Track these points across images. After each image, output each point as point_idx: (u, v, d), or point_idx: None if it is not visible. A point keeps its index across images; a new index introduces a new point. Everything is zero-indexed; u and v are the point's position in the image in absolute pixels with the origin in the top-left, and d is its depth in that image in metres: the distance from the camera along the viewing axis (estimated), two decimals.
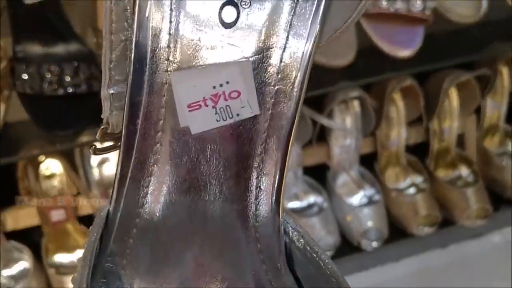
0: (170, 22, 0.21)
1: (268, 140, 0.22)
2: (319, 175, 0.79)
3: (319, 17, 0.21)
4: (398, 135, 0.80)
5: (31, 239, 0.69)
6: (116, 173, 0.23)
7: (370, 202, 0.78)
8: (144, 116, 0.22)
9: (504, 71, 0.83)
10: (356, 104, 0.78)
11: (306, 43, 0.21)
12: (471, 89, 0.80)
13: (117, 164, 0.22)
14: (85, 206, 0.70)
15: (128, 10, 0.21)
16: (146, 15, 0.21)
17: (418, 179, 0.81)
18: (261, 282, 0.23)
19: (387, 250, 0.78)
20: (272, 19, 0.21)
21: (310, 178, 0.78)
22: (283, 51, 0.22)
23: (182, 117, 0.22)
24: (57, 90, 0.59)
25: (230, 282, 0.23)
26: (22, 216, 0.68)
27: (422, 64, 0.73)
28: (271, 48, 0.22)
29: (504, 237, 0.83)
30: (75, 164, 0.71)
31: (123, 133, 0.22)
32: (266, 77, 0.22)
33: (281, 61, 0.22)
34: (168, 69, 0.22)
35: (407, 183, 0.81)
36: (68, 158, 0.70)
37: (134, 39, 0.21)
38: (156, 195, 0.23)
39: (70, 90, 0.59)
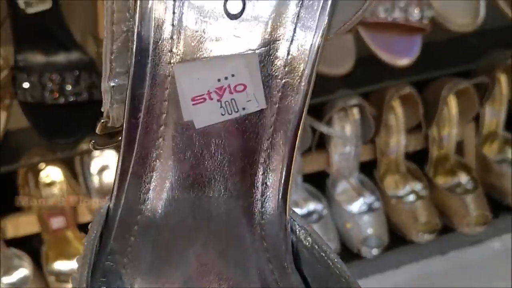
0: (174, 12, 0.20)
1: (274, 135, 0.22)
2: (318, 182, 0.79)
3: (328, 9, 0.20)
4: (397, 142, 0.81)
5: (31, 246, 0.69)
6: (117, 168, 0.22)
7: (370, 209, 0.78)
8: (146, 109, 0.21)
9: (502, 78, 0.83)
10: (355, 111, 0.78)
11: (314, 35, 0.21)
12: (469, 96, 0.80)
13: (118, 159, 0.22)
14: (85, 214, 0.71)
15: (130, 0, 0.21)
16: (149, 5, 0.20)
17: (418, 186, 0.81)
18: (267, 282, 0.22)
19: (387, 257, 0.78)
20: (279, 11, 0.21)
21: (309, 185, 0.78)
22: (291, 43, 0.21)
23: (186, 111, 0.21)
24: (58, 99, 0.59)
25: (234, 282, 0.22)
26: (22, 224, 0.68)
27: (421, 72, 0.73)
28: (278, 40, 0.21)
29: (503, 243, 0.83)
30: (75, 172, 0.71)
31: (124, 127, 0.21)
32: (273, 70, 0.21)
33: (288, 54, 0.21)
34: (171, 61, 0.21)
35: (407, 190, 0.81)
36: (68, 166, 0.71)
37: (136, 30, 0.20)
38: (159, 191, 0.22)
39: (71, 98, 0.59)
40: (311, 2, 0.20)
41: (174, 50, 0.21)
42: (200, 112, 0.21)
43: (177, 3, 0.20)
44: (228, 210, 0.22)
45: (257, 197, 0.22)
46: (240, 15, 0.21)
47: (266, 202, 0.22)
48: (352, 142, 0.78)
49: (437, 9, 0.71)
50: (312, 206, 0.77)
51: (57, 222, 0.70)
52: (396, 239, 0.79)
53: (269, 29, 0.21)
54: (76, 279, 0.21)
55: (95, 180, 0.71)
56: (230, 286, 0.22)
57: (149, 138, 0.21)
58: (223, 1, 0.20)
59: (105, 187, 0.71)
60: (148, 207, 0.22)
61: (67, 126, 0.60)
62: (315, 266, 0.22)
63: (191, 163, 0.22)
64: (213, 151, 0.22)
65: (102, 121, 0.23)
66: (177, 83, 0.21)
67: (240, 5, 0.21)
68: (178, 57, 0.21)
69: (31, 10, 0.59)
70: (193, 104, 0.21)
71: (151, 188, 0.22)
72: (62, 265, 0.68)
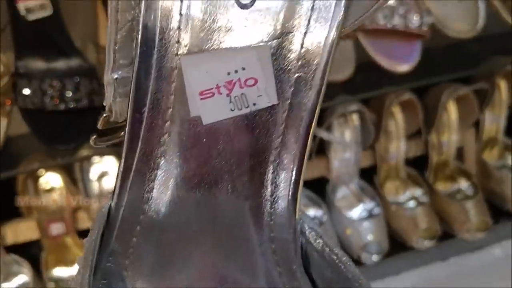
0: (182, 1, 0.19)
1: (286, 133, 0.20)
2: (318, 188, 0.79)
3: (343, 0, 0.19)
4: (397, 148, 0.81)
5: (30, 252, 0.69)
6: (119, 166, 0.21)
7: (370, 215, 0.78)
8: (151, 103, 0.20)
9: (502, 84, 0.83)
10: (355, 118, 0.78)
11: (329, 27, 0.19)
12: (469, 102, 0.80)
13: (121, 156, 0.21)
14: (84, 220, 0.70)
15: None
16: None
17: (418, 192, 0.81)
18: (275, 285, 0.21)
19: (387, 264, 0.78)
20: (293, 1, 0.19)
21: (309, 191, 0.78)
22: (304, 35, 0.20)
23: (193, 106, 0.20)
24: (58, 105, 0.59)
25: (240, 285, 0.21)
26: (22, 230, 0.68)
27: (420, 78, 0.74)
28: (291, 32, 0.20)
29: (504, 250, 0.83)
30: (74, 178, 0.71)
31: (127, 122, 0.20)
32: (286, 63, 0.20)
33: (302, 47, 0.20)
34: (179, 53, 0.20)
35: (407, 196, 0.81)
36: (68, 172, 0.71)
37: (141, 19, 0.19)
38: (163, 190, 0.21)
39: (71, 105, 0.60)
40: None
41: (182, 41, 0.20)
42: (208, 107, 0.20)
43: None
44: (235, 210, 0.21)
45: (266, 197, 0.21)
46: (252, 5, 0.19)
47: (275, 203, 0.21)
48: (352, 148, 0.78)
49: (437, 16, 0.71)
50: (312, 212, 0.77)
51: (56, 229, 0.70)
52: (396, 245, 0.78)
53: (282, 20, 0.20)
54: (78, 281, 0.20)
55: (95, 186, 0.71)
56: None
57: (154, 134, 0.20)
58: None
59: (105, 193, 0.71)
60: (152, 206, 0.21)
61: (67, 132, 0.60)
62: (325, 269, 0.22)
63: (197, 161, 0.21)
64: (221, 148, 0.20)
65: (104, 115, 0.22)
66: (185, 76, 0.20)
67: None
68: (185, 48, 0.20)
69: (32, 17, 0.60)
70: (201, 99, 0.20)
71: (155, 186, 0.21)
72: (62, 271, 0.68)
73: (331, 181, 0.79)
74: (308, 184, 0.78)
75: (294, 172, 0.21)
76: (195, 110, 0.20)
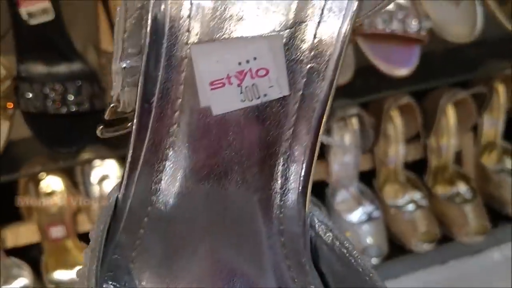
0: None
1: (297, 124, 0.20)
2: (318, 192, 0.79)
3: None
4: (396, 152, 0.81)
5: (31, 255, 0.69)
6: (127, 156, 0.20)
7: (370, 218, 0.78)
8: (161, 93, 0.19)
9: (500, 88, 0.84)
10: (354, 121, 0.79)
11: (343, 17, 0.19)
12: (467, 106, 0.81)
13: (129, 146, 0.20)
14: (85, 223, 0.71)
15: None
16: None
17: (417, 195, 0.81)
18: (283, 279, 0.21)
19: (387, 267, 0.78)
20: None
21: None
22: (318, 25, 0.19)
23: (203, 96, 0.19)
24: (60, 109, 0.60)
25: (248, 279, 0.21)
26: (22, 233, 0.68)
27: (419, 82, 0.74)
28: (304, 21, 0.19)
29: (503, 253, 0.83)
30: (75, 181, 0.71)
31: (136, 112, 0.20)
32: (298, 54, 0.19)
33: (315, 37, 0.19)
34: (189, 42, 0.19)
35: (406, 200, 0.82)
36: (69, 175, 0.71)
37: (151, 7, 0.19)
38: (171, 181, 0.20)
39: (73, 108, 0.60)
40: None
41: (192, 29, 0.19)
42: (218, 98, 0.19)
43: None
44: (244, 203, 0.21)
45: (276, 189, 0.21)
46: None
47: (285, 195, 0.21)
48: (352, 152, 0.79)
49: (435, 21, 0.71)
50: None
51: (57, 232, 0.70)
52: (396, 249, 0.79)
53: (294, 10, 0.19)
54: (84, 273, 0.20)
55: (96, 189, 0.72)
56: (244, 283, 0.21)
57: (163, 125, 0.20)
58: None
59: (106, 196, 0.71)
60: (160, 198, 0.21)
61: (69, 135, 0.61)
62: (335, 263, 0.21)
63: (207, 152, 0.20)
64: (231, 140, 0.20)
65: (112, 105, 0.21)
66: (195, 65, 0.19)
67: None
68: (196, 37, 0.19)
69: (33, 21, 0.60)
70: (211, 89, 0.19)
71: (163, 178, 0.20)
72: (62, 274, 0.68)
73: (331, 184, 0.80)
74: None
75: (304, 165, 0.20)
76: (205, 100, 0.19)
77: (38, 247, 0.70)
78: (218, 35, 0.19)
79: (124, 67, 0.20)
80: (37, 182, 0.70)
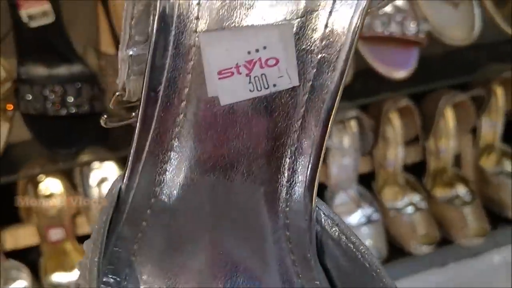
0: None
1: (306, 116, 0.20)
2: (317, 194, 0.79)
3: None
4: (395, 154, 0.81)
5: (30, 258, 0.69)
6: (131, 146, 0.20)
7: (369, 221, 0.78)
8: (167, 82, 0.19)
9: (499, 91, 0.84)
10: (353, 124, 0.79)
11: (355, 7, 0.19)
12: (466, 109, 0.81)
13: (133, 136, 0.20)
14: (84, 225, 0.71)
15: None
16: None
17: (416, 198, 0.81)
18: (288, 274, 0.21)
19: (386, 269, 0.78)
20: None
21: None
22: (329, 15, 0.19)
23: (211, 86, 0.19)
24: (60, 110, 0.60)
25: (252, 273, 0.21)
26: (21, 235, 0.68)
27: (418, 85, 0.74)
28: (316, 10, 0.19)
29: (503, 256, 0.83)
30: (74, 184, 0.71)
31: (141, 101, 0.19)
32: (309, 43, 0.19)
33: (326, 27, 0.19)
34: (198, 30, 0.19)
35: (405, 202, 0.82)
36: (68, 178, 0.71)
37: None
38: (176, 173, 0.20)
39: (72, 110, 0.60)
40: None
41: (201, 17, 0.19)
42: (226, 88, 0.19)
43: None
44: (250, 195, 0.20)
45: (282, 182, 0.20)
46: None
47: (292, 189, 0.20)
48: (351, 154, 0.79)
49: (433, 23, 0.72)
50: None
51: (56, 234, 0.70)
52: (395, 251, 0.79)
53: None
54: (86, 265, 0.20)
55: (95, 192, 0.72)
56: (247, 278, 0.21)
57: (169, 114, 0.19)
58: None
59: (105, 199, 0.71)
60: (164, 189, 0.20)
61: (69, 137, 0.61)
62: (341, 258, 0.21)
63: (213, 143, 0.20)
64: (238, 131, 0.19)
65: (117, 94, 0.21)
66: (203, 54, 0.19)
67: None
68: (205, 25, 0.19)
69: (34, 24, 0.60)
70: (219, 79, 0.19)
71: (167, 169, 0.20)
72: (61, 277, 0.68)
73: (330, 187, 0.80)
74: None
75: (312, 158, 0.20)
76: (213, 90, 0.19)
77: (37, 249, 0.70)
78: (228, 23, 0.19)
79: (131, 55, 0.20)
80: (36, 184, 0.70)
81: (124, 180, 0.20)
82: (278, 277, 0.21)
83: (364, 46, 0.69)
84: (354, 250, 0.21)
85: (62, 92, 0.59)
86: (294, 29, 0.19)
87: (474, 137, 0.85)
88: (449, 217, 0.81)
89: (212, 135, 0.20)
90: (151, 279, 0.20)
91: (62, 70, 0.61)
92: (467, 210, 0.80)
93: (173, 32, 0.19)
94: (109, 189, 0.21)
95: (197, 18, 0.19)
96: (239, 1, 0.19)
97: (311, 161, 0.20)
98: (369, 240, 0.77)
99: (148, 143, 0.20)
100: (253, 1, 0.19)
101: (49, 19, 0.60)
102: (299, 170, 0.20)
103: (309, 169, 0.20)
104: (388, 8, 0.68)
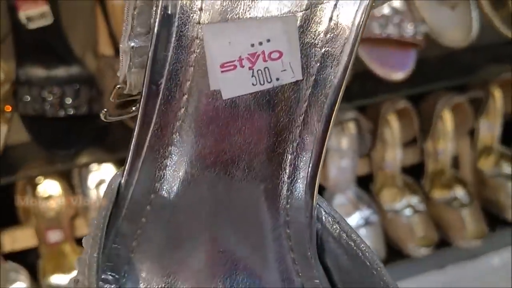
0: None
1: (309, 111, 0.19)
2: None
3: None
4: (394, 156, 0.81)
5: (28, 260, 0.69)
6: (131, 141, 0.20)
7: (367, 223, 0.78)
8: (169, 75, 0.19)
9: (496, 93, 0.84)
10: (351, 126, 0.79)
11: (360, 0, 0.18)
12: (464, 111, 0.81)
13: (133, 130, 0.19)
14: (82, 227, 0.71)
15: None
16: None
17: (414, 200, 0.81)
18: (288, 272, 0.20)
19: None
20: None
21: None
22: (334, 8, 0.19)
23: (213, 79, 0.18)
24: (58, 112, 0.60)
25: (251, 271, 0.20)
26: (19, 237, 0.68)
27: (416, 87, 0.74)
28: (321, 3, 0.18)
29: (500, 257, 0.83)
30: (73, 185, 0.71)
31: (142, 94, 0.19)
32: (313, 37, 0.19)
33: (331, 20, 0.19)
34: (201, 21, 0.18)
35: (403, 204, 0.82)
36: (66, 179, 0.71)
37: None
38: (176, 168, 0.19)
39: (71, 111, 0.60)
40: None
41: (204, 8, 0.18)
42: (229, 81, 0.18)
43: None
44: (251, 192, 0.20)
45: (283, 179, 0.20)
46: None
47: (293, 185, 0.20)
48: (349, 156, 0.79)
49: (431, 25, 0.72)
50: None
51: (54, 236, 0.70)
52: (393, 253, 0.79)
53: None
54: (84, 261, 0.19)
55: (93, 194, 0.72)
56: (246, 277, 0.20)
57: (170, 108, 0.19)
58: None
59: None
60: (164, 185, 0.20)
61: (67, 138, 0.61)
62: (341, 257, 0.21)
63: (214, 138, 0.19)
64: (239, 125, 0.19)
65: (118, 86, 0.20)
66: (206, 46, 0.18)
67: None
68: (208, 16, 0.18)
69: (32, 26, 0.60)
70: (222, 72, 0.18)
71: (168, 164, 0.20)
72: (59, 278, 0.68)
73: (328, 189, 0.80)
74: None
75: (314, 154, 0.20)
76: (215, 83, 0.19)
77: (36, 251, 0.69)
78: (231, 15, 0.18)
79: (133, 46, 0.19)
80: (34, 186, 0.70)
81: (124, 175, 0.20)
82: (278, 275, 0.21)
83: (361, 48, 0.69)
84: (354, 248, 0.20)
85: (60, 94, 0.60)
86: (298, 22, 0.18)
87: (472, 139, 0.86)
88: (447, 219, 0.81)
89: (213, 130, 0.19)
90: (150, 276, 0.20)
91: (61, 71, 0.62)
92: (465, 212, 0.80)
93: (175, 24, 0.18)
94: (109, 184, 0.20)
95: (201, 9, 0.18)
96: None
97: (312, 157, 0.20)
98: (367, 242, 0.76)
99: (148, 138, 0.19)
100: None
101: (48, 21, 0.61)
102: (300, 166, 0.20)
103: (310, 165, 0.20)
104: (386, 10, 0.68)
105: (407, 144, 0.82)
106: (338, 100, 0.19)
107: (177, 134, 0.19)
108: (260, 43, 0.18)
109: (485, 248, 0.82)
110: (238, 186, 0.20)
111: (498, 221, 0.84)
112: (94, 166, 0.71)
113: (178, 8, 0.18)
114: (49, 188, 0.71)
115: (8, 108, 0.60)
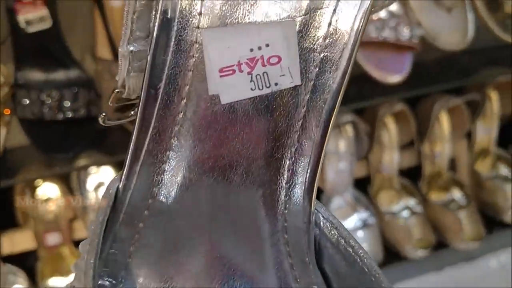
0: None
1: (307, 116, 0.19)
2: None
3: None
4: (391, 159, 0.82)
5: (27, 262, 0.69)
6: (129, 145, 0.19)
7: (364, 225, 0.79)
8: (168, 79, 0.18)
9: (493, 95, 0.85)
10: (349, 128, 0.79)
11: (359, 6, 0.18)
12: (461, 113, 0.81)
13: (132, 135, 0.19)
14: (81, 230, 0.71)
15: None
16: None
17: (411, 202, 0.82)
18: (286, 279, 0.20)
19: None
20: None
21: None
22: (333, 13, 0.19)
23: (212, 83, 0.18)
24: (56, 115, 0.60)
25: (249, 278, 0.20)
26: (18, 240, 0.69)
27: (413, 89, 0.75)
28: (320, 8, 0.18)
29: (498, 260, 0.83)
30: (71, 188, 0.71)
31: (141, 98, 0.19)
32: (312, 42, 0.19)
33: (329, 25, 0.19)
34: (200, 26, 0.18)
35: (401, 206, 0.82)
36: (65, 182, 0.71)
37: None
38: (174, 173, 0.19)
39: (69, 114, 0.60)
40: None
41: (204, 13, 0.18)
42: (227, 86, 0.18)
43: None
44: (249, 197, 0.20)
45: (281, 184, 0.20)
46: None
47: (291, 190, 0.20)
48: (346, 159, 0.79)
49: (427, 28, 0.72)
50: None
51: (53, 239, 0.70)
52: (391, 255, 0.79)
53: None
54: (81, 266, 0.19)
55: (92, 196, 0.72)
56: (244, 283, 0.20)
57: (169, 113, 0.19)
58: None
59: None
60: (162, 190, 0.20)
61: (66, 141, 0.61)
62: (339, 262, 0.20)
63: (212, 143, 0.19)
64: (238, 130, 0.19)
65: (116, 90, 0.20)
66: (205, 51, 0.18)
67: None
68: (207, 21, 0.18)
69: (31, 29, 0.61)
70: (221, 76, 0.18)
71: (166, 169, 0.19)
72: (57, 281, 0.68)
73: (326, 191, 0.80)
74: None
75: (312, 159, 0.20)
76: (214, 88, 0.19)
77: (34, 254, 0.70)
78: (231, 19, 0.18)
79: (132, 51, 0.19)
80: (33, 189, 0.70)
81: (122, 179, 0.20)
82: (275, 281, 0.20)
83: (358, 51, 0.69)
84: (353, 254, 0.20)
85: (59, 97, 0.60)
86: (297, 27, 0.18)
87: (469, 141, 0.86)
88: (445, 221, 0.81)
89: (211, 135, 0.19)
90: (148, 281, 0.20)
91: (59, 75, 0.62)
92: (463, 214, 0.80)
93: (175, 28, 0.18)
94: (107, 189, 0.20)
95: (200, 13, 0.18)
96: None
97: (311, 162, 0.20)
98: (365, 244, 0.77)
99: (147, 142, 0.19)
100: None
101: (47, 24, 0.61)
102: (298, 172, 0.20)
103: (308, 170, 0.20)
104: (382, 14, 0.68)
105: (404, 146, 0.83)
106: (337, 105, 0.19)
107: (176, 138, 0.19)
108: (259, 48, 0.18)
109: (482, 250, 0.83)
110: (236, 191, 0.20)
111: (496, 223, 0.84)
112: (92, 169, 0.71)
113: (178, 12, 0.18)
114: (48, 191, 0.71)
115: (7, 111, 0.60)
